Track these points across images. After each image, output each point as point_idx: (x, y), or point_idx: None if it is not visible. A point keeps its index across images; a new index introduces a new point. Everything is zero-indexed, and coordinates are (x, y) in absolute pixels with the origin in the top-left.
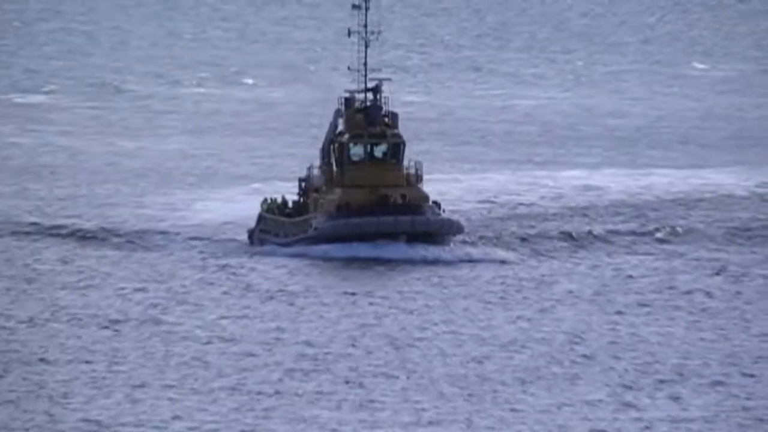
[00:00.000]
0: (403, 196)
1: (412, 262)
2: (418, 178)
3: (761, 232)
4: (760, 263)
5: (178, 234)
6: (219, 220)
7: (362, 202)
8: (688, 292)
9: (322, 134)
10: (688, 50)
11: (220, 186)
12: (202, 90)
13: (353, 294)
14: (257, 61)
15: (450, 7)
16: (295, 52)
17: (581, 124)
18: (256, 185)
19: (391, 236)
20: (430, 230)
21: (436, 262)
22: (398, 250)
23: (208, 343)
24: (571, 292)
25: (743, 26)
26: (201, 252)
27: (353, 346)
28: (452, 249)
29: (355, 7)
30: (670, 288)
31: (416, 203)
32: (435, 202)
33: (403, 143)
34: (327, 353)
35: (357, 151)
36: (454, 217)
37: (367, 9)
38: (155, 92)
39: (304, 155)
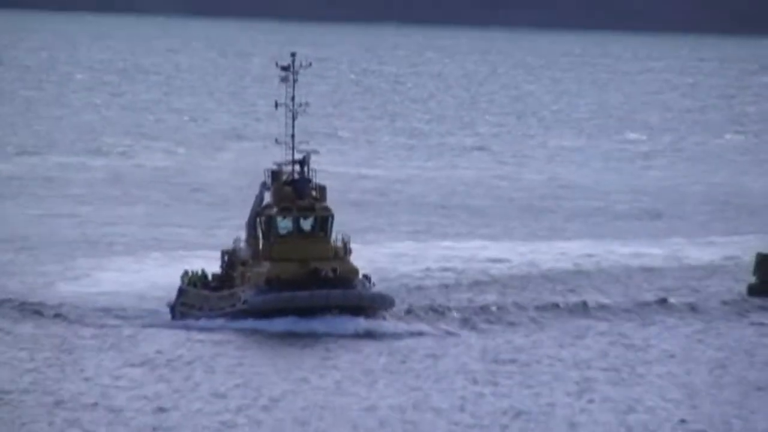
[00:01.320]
0: (334, 270)
1: (341, 335)
2: (347, 251)
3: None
4: (658, 335)
5: (93, 305)
6: (133, 292)
7: (292, 275)
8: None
9: (245, 206)
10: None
11: (133, 255)
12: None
13: (268, 366)
14: (182, 129)
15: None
16: (224, 123)
17: (489, 196)
18: (171, 254)
19: (323, 310)
20: (362, 304)
21: (365, 335)
22: (329, 324)
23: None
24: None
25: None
26: (120, 325)
27: (246, 416)
28: (382, 323)
29: (282, 80)
30: (559, 360)
31: (347, 276)
32: (365, 276)
33: (332, 216)
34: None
35: (285, 224)
36: (385, 291)
37: (294, 81)
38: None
39: (228, 226)
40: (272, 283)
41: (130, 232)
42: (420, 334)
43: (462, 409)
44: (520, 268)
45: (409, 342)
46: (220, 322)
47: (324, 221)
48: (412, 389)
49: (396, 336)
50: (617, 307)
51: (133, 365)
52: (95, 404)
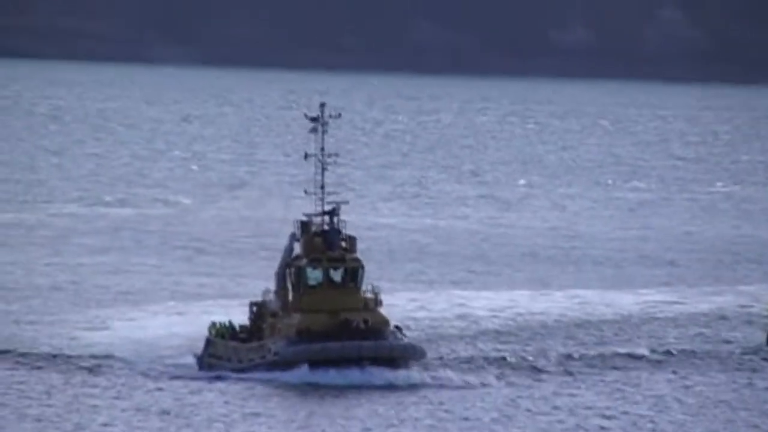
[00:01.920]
0: (366, 321)
1: (375, 387)
2: (378, 302)
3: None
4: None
5: (118, 356)
6: (158, 343)
7: (323, 326)
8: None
9: (272, 257)
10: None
11: (149, 305)
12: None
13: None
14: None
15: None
16: (250, 173)
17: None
18: (187, 304)
19: (355, 361)
20: (393, 355)
21: (398, 387)
22: (361, 375)
23: None
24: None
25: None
26: (148, 376)
27: None
28: (414, 374)
29: (312, 130)
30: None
31: (378, 327)
32: (396, 327)
33: (362, 267)
34: None
35: (315, 275)
36: (416, 341)
37: (324, 132)
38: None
39: (252, 276)
40: (303, 335)
41: (144, 282)
42: (450, 385)
43: None
44: (541, 317)
45: (439, 393)
46: (250, 373)
47: (354, 272)
48: None
49: (426, 387)
50: (637, 357)
51: (163, 417)
52: None
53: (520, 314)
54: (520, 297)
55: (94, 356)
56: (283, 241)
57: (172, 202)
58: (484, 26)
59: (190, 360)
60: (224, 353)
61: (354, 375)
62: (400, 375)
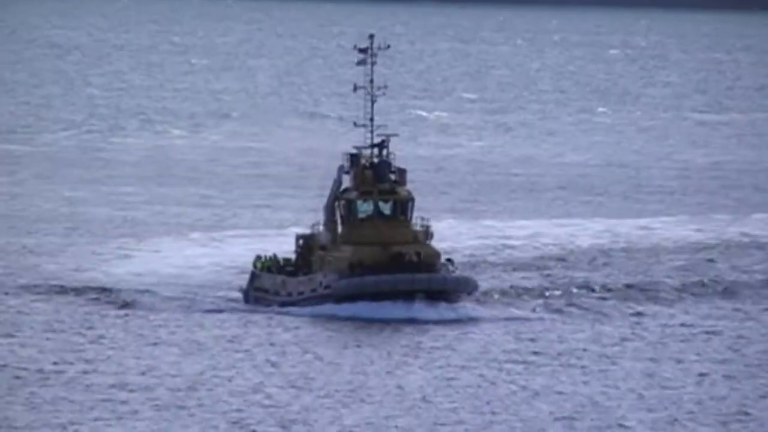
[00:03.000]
0: (418, 254)
1: (430, 321)
2: (429, 235)
3: None
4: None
5: (155, 291)
6: (193, 275)
7: (376, 259)
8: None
9: (317, 189)
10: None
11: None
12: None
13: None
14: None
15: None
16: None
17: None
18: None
19: (408, 294)
20: (446, 288)
21: (452, 321)
22: (414, 309)
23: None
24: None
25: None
26: (197, 311)
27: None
28: (468, 307)
29: (360, 62)
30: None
31: (431, 261)
32: (448, 259)
33: (412, 200)
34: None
35: (365, 207)
36: (468, 274)
37: (372, 64)
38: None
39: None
40: (355, 268)
41: (181, 212)
42: (502, 318)
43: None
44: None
45: (488, 325)
46: (301, 307)
47: (404, 204)
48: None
49: (477, 321)
50: (653, 288)
51: (227, 351)
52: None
53: (560, 244)
54: (562, 227)
55: (128, 290)
56: (320, 173)
57: (198, 131)
58: None
59: (235, 294)
60: (271, 287)
61: (407, 309)
62: (453, 308)
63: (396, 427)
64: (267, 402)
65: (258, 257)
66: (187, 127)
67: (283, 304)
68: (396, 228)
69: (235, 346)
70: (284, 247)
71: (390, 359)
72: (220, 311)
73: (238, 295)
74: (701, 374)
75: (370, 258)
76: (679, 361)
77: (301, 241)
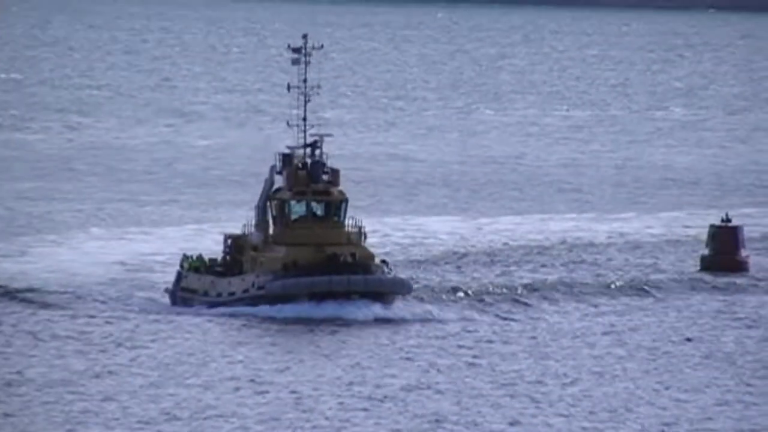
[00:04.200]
0: (353, 255)
1: (364, 321)
2: (362, 236)
3: None
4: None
5: (77, 291)
6: (109, 275)
7: (310, 260)
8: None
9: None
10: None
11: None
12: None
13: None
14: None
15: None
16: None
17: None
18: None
19: (343, 296)
20: (382, 290)
21: (386, 321)
22: (349, 309)
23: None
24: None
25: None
26: (122, 312)
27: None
28: (402, 307)
29: (295, 62)
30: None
31: (366, 262)
32: (383, 261)
33: (346, 200)
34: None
35: (298, 208)
36: (404, 276)
37: (307, 64)
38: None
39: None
40: (289, 269)
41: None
42: (434, 319)
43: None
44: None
45: (422, 327)
46: (232, 307)
47: (338, 205)
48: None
49: (411, 321)
50: (575, 287)
51: (154, 355)
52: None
53: (492, 241)
54: (489, 224)
55: (46, 291)
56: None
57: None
58: None
59: (158, 294)
60: (200, 287)
61: (341, 309)
62: (387, 309)
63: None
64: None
65: (185, 257)
66: (114, 122)
67: (213, 305)
68: (329, 229)
69: (164, 345)
70: (200, 246)
71: (321, 357)
72: (148, 312)
73: (162, 295)
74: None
75: (304, 259)
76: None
77: (229, 241)
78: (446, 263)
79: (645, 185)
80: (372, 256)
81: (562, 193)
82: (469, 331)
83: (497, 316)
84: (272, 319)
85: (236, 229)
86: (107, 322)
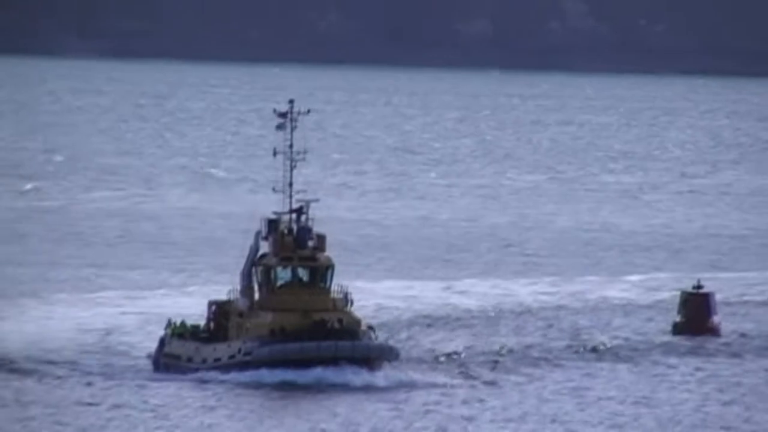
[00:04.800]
0: (340, 321)
1: (351, 387)
2: (349, 301)
3: None
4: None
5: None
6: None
7: (297, 326)
8: None
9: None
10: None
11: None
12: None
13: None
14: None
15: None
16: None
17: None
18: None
19: (331, 361)
20: (370, 356)
21: (373, 387)
22: (336, 376)
23: None
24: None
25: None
26: (107, 381)
27: None
28: (389, 374)
29: (279, 127)
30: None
31: (353, 328)
32: (369, 327)
33: (332, 266)
34: None
35: (284, 274)
36: (390, 342)
37: (293, 129)
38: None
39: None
40: (276, 335)
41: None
42: (421, 385)
43: None
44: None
45: (405, 393)
46: (217, 374)
47: (325, 272)
48: None
49: (397, 388)
50: (547, 352)
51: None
52: None
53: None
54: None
55: (23, 358)
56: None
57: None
58: (388, 17)
59: (141, 361)
60: (184, 353)
61: (329, 375)
62: (375, 375)
63: None
64: None
65: (170, 322)
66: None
67: (198, 371)
68: (315, 295)
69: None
70: (178, 311)
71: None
72: (130, 378)
73: (146, 362)
74: None
75: (291, 324)
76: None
77: (214, 308)
78: (428, 326)
79: (601, 248)
80: (359, 322)
81: (518, 257)
82: (440, 400)
83: (472, 382)
84: (258, 385)
85: (219, 295)
86: (88, 386)
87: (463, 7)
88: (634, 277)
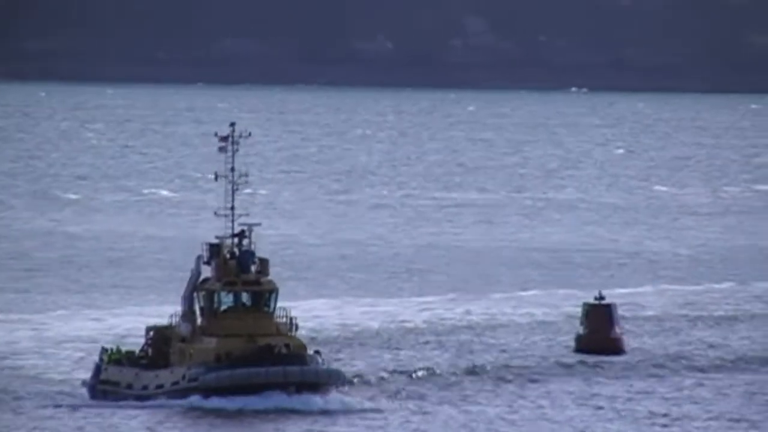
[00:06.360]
0: (287, 346)
1: (298, 412)
2: (294, 326)
3: None
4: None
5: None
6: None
7: (243, 351)
8: None
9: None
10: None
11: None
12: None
13: None
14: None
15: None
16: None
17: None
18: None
19: (279, 387)
20: (319, 381)
21: (321, 412)
22: (284, 400)
23: None
24: None
25: None
26: (39, 407)
27: None
28: (335, 399)
29: (221, 149)
30: None
31: (300, 353)
32: (317, 351)
33: (276, 290)
34: None
35: (227, 299)
36: (338, 367)
37: (234, 152)
38: None
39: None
40: (221, 360)
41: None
42: (370, 410)
43: None
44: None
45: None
46: (158, 400)
47: (268, 296)
48: None
49: (345, 412)
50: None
51: None
52: None
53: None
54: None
55: None
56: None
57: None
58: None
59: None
60: (122, 380)
61: (276, 400)
62: (324, 399)
63: None
64: None
65: (104, 349)
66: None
67: (138, 398)
68: (259, 319)
69: None
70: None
71: None
72: (65, 407)
73: (80, 389)
74: None
75: (238, 349)
76: None
77: (152, 333)
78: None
79: (508, 265)
80: (305, 347)
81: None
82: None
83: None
84: (202, 412)
85: (153, 320)
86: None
87: (362, 25)
88: (528, 293)
